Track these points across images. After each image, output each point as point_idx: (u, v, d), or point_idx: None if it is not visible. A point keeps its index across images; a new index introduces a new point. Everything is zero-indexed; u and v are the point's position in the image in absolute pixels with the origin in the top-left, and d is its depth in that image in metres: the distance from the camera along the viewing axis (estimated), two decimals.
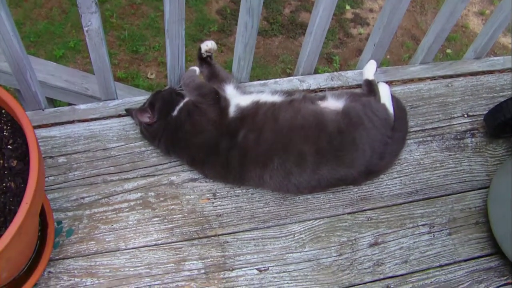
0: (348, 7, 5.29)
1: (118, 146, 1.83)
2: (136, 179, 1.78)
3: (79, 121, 1.87)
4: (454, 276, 1.73)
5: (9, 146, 1.41)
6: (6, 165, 1.38)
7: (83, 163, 1.78)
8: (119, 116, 1.90)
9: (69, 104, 2.42)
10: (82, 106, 1.90)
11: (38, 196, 1.33)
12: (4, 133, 1.43)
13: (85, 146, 1.82)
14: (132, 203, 1.73)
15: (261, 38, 4.89)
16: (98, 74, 1.82)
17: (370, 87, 1.94)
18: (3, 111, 1.47)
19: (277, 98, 1.80)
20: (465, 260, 1.77)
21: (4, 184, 1.35)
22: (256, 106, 1.76)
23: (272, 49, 4.86)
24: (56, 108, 1.90)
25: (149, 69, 4.46)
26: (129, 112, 1.88)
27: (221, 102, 1.75)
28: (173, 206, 1.74)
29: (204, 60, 1.94)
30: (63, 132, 1.84)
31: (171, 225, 1.71)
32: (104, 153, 1.81)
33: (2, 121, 1.45)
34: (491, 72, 2.15)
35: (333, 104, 1.82)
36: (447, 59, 4.80)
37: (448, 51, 4.87)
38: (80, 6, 1.55)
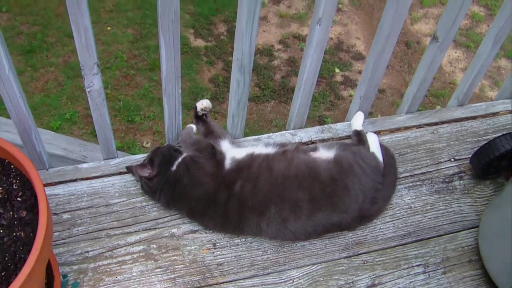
0: (337, 70, 5.47)
1: (120, 201, 1.90)
2: (138, 232, 1.84)
3: (82, 179, 1.95)
4: None
5: (18, 198, 1.48)
6: (16, 216, 1.44)
7: (86, 218, 1.85)
8: (120, 173, 1.98)
9: None
10: (84, 165, 1.99)
11: (47, 243, 1.40)
12: (14, 187, 1.50)
13: (88, 202, 1.89)
14: (135, 256, 1.79)
15: (254, 104, 5.02)
16: (99, 133, 1.91)
17: (359, 137, 2.04)
18: (12, 166, 1.55)
19: (270, 150, 1.88)
20: None
21: (14, 234, 1.42)
22: (251, 158, 1.84)
23: (265, 114, 4.98)
24: (59, 168, 1.98)
25: (145, 138, 4.57)
26: (129, 169, 1.96)
27: (217, 156, 1.84)
28: (175, 257, 1.80)
29: (200, 118, 2.04)
30: (66, 190, 1.91)
31: (173, 275, 1.75)
32: (106, 209, 1.88)
33: (12, 175, 1.53)
34: (474, 117, 2.25)
35: (324, 154, 1.90)
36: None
37: (438, 107, 5.01)
38: (83, 68, 1.66)
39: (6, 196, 1.48)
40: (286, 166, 1.81)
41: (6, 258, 1.37)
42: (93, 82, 1.71)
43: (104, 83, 4.77)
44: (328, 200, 1.79)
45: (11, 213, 1.45)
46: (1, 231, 1.42)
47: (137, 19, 5.47)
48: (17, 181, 1.52)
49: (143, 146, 4.51)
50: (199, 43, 5.47)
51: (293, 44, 5.71)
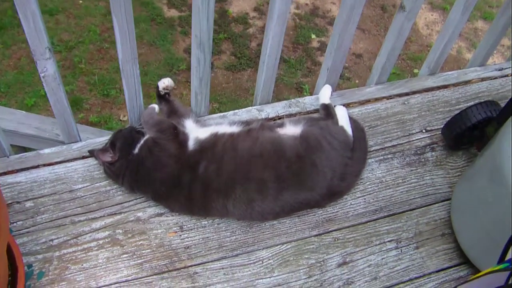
0: (313, 36, 5.38)
1: (84, 187, 1.85)
2: (103, 217, 1.79)
3: (44, 165, 1.90)
4: None
5: None
6: None
7: (50, 206, 1.80)
8: (83, 157, 1.93)
9: None
10: (46, 151, 1.93)
11: (2, 238, 1.36)
12: None
13: (51, 189, 1.84)
14: (100, 242, 1.75)
15: (230, 73, 4.95)
16: (58, 118, 1.85)
17: (327, 111, 1.99)
18: None
19: (235, 129, 1.84)
20: (434, 272, 1.79)
21: None
22: (215, 138, 1.79)
23: (242, 83, 4.91)
24: (20, 154, 1.93)
25: (121, 111, 4.50)
26: (92, 153, 1.90)
27: (180, 136, 1.79)
28: (141, 242, 1.76)
29: (163, 97, 1.98)
30: (28, 177, 1.86)
31: (140, 261, 1.72)
32: (70, 195, 1.83)
33: None
34: (445, 86, 2.21)
35: (291, 130, 1.86)
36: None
37: (416, 70, 4.95)
38: (35, 53, 1.60)
39: None
40: (250, 145, 1.77)
41: None
42: (46, 67, 1.65)
43: (78, 57, 4.74)
44: (295, 178, 1.75)
45: None
46: None
47: None
48: None
49: (120, 120, 4.44)
50: (173, 13, 5.35)
51: (267, 11, 5.62)
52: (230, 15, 5.38)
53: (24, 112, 2.47)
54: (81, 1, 5.17)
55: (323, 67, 2.06)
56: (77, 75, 4.61)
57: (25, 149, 2.45)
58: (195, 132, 1.83)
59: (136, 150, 1.80)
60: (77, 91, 4.52)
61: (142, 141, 1.82)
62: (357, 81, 4.89)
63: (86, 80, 4.59)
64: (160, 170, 1.77)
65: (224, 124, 1.87)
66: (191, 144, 1.78)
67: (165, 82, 1.95)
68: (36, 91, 4.45)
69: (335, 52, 1.97)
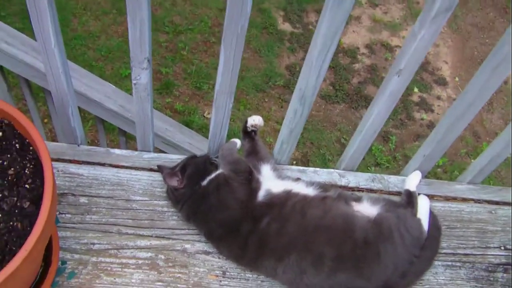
0: (416, 89, 5.24)
1: (142, 200, 1.81)
2: (151, 238, 1.74)
3: (111, 165, 1.86)
4: None
5: (26, 186, 1.40)
6: (18, 204, 1.36)
7: (103, 208, 1.76)
8: (150, 170, 1.88)
9: (119, 129, 2.44)
10: (117, 151, 1.90)
11: (41, 243, 1.32)
12: (26, 171, 1.42)
13: (109, 192, 1.80)
14: (140, 262, 1.69)
15: (324, 102, 4.88)
16: (139, 126, 1.81)
17: (410, 199, 1.86)
18: (31, 148, 1.46)
19: (310, 191, 1.74)
20: None
21: (11, 223, 1.34)
22: (287, 196, 1.70)
23: (331, 116, 4.84)
24: (91, 147, 1.90)
25: (208, 108, 4.50)
26: (160, 169, 1.85)
27: (252, 183, 1.71)
28: (179, 275, 1.69)
29: (248, 134, 1.91)
30: (91, 173, 1.83)
31: None
32: (125, 204, 1.79)
33: (27, 158, 1.44)
34: None
35: (367, 209, 1.74)
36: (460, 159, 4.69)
37: (463, 150, 4.73)
38: (132, 60, 1.55)
39: (15, 179, 1.40)
40: (321, 215, 1.67)
41: None
42: (140, 76, 1.60)
43: (183, 43, 4.77)
44: (355, 263, 1.63)
45: (15, 199, 1.37)
46: (0, 215, 1.34)
47: None
48: (31, 166, 1.43)
49: (204, 116, 4.44)
50: (286, 27, 5.32)
51: (379, 51, 5.50)
52: (341, 45, 5.29)
53: (113, 86, 2.48)
54: None
55: (419, 152, 1.94)
56: (176, 60, 4.63)
57: (103, 122, 2.45)
58: (269, 183, 1.74)
59: (205, 183, 1.74)
60: (171, 75, 4.54)
61: (213, 175, 1.75)
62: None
63: (184, 68, 4.61)
64: (223, 211, 1.70)
65: (301, 183, 1.77)
66: (261, 195, 1.70)
67: (255, 120, 1.88)
68: None
69: (437, 143, 1.84)
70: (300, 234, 1.65)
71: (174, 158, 1.91)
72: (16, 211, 1.35)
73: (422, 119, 5.07)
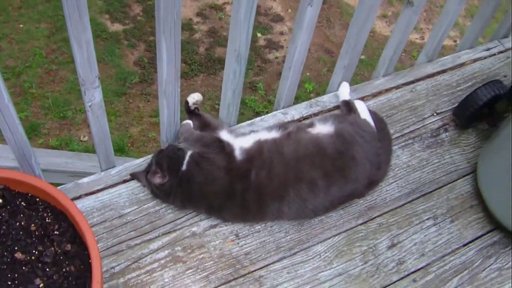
0: (259, 34, 5.48)
1: (133, 210, 1.87)
2: (159, 237, 1.82)
3: (86, 194, 1.89)
4: (467, 257, 1.90)
5: (56, 232, 1.43)
6: (59, 250, 1.40)
7: (103, 234, 1.80)
8: (124, 181, 1.93)
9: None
10: (85, 180, 1.92)
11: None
12: (47, 220, 1.45)
13: (100, 217, 1.84)
14: (162, 261, 1.77)
15: (184, 80, 4.96)
16: (99, 145, 1.85)
17: (349, 106, 2.09)
18: (37, 199, 1.49)
19: (275, 134, 1.90)
20: (472, 241, 1.94)
21: (64, 270, 1.38)
22: (259, 145, 1.85)
23: (196, 89, 4.94)
24: (60, 187, 1.91)
25: (81, 132, 4.43)
26: (134, 176, 1.92)
27: (226, 148, 1.84)
28: (202, 255, 1.80)
29: (193, 112, 2.01)
30: None
31: (205, 273, 1.76)
32: (121, 220, 1.84)
33: (41, 209, 1.47)
34: (444, 71, 2.36)
35: (323, 128, 1.94)
36: (363, 65, 5.10)
37: (362, 57, 5.15)
38: (84, 83, 1.59)
39: (42, 232, 1.43)
40: (295, 148, 1.84)
41: None
42: (94, 96, 1.65)
43: (28, 82, 4.63)
44: (340, 173, 1.84)
45: (53, 248, 1.40)
46: (48, 269, 1.38)
47: (48, 12, 5.20)
48: (49, 214, 1.47)
49: (81, 141, 4.37)
50: (117, 27, 5.30)
51: (211, 15, 5.65)
52: None
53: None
54: (21, 25, 5.03)
55: (338, 65, 2.16)
56: (29, 101, 4.49)
57: None
58: (239, 141, 1.87)
59: (184, 167, 1.83)
60: (32, 117, 4.41)
61: (188, 158, 1.84)
62: (308, 74, 5.04)
63: (40, 105, 4.48)
64: (212, 183, 1.81)
65: (263, 131, 1.93)
66: (238, 154, 1.83)
67: (194, 97, 1.99)
68: None
69: (351, 51, 2.07)
70: (287, 171, 1.81)
71: (138, 163, 1.98)
72: (61, 257, 1.39)
73: (276, 57, 5.33)
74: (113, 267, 1.75)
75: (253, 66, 5.18)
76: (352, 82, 2.24)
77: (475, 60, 2.41)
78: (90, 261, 1.38)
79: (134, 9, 5.57)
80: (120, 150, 4.26)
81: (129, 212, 1.86)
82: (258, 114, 4.71)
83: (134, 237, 1.81)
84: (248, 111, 4.70)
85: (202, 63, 5.15)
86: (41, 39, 4.99)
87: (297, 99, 2.22)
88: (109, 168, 1.96)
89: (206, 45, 5.35)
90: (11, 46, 4.86)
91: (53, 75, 4.75)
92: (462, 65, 2.39)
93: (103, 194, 1.90)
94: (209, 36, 5.45)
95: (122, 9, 5.53)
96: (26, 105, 4.47)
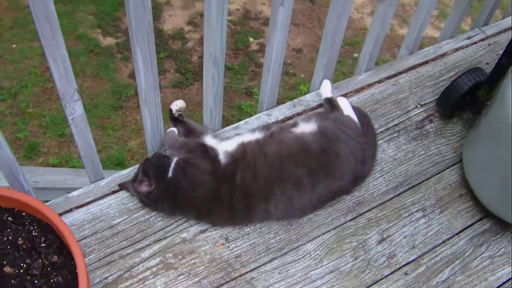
0: (251, 39, 5.49)
1: (123, 220, 1.89)
2: (150, 245, 1.84)
3: (77, 207, 1.91)
4: (458, 247, 1.91)
5: (43, 244, 1.46)
6: (46, 262, 1.43)
7: (94, 245, 1.82)
8: (113, 192, 1.95)
9: None
10: (75, 193, 1.95)
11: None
12: (34, 233, 1.48)
13: (91, 229, 1.86)
14: (154, 269, 1.79)
15: (179, 90, 4.97)
16: (86, 158, 1.88)
17: (331, 104, 2.11)
18: (23, 213, 1.51)
19: (258, 135, 1.92)
20: (462, 230, 1.95)
21: (51, 280, 1.41)
22: (243, 147, 1.87)
23: (192, 98, 4.95)
24: (50, 202, 1.93)
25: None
26: (122, 186, 1.94)
27: (210, 153, 1.86)
28: (193, 261, 1.82)
29: (177, 120, 2.04)
30: (66, 222, 1.87)
31: (197, 278, 1.78)
32: (112, 231, 1.86)
33: (27, 223, 1.49)
34: (426, 62, 2.37)
35: (306, 127, 1.95)
36: (356, 63, 5.11)
37: (355, 55, 5.16)
38: (64, 97, 1.62)
39: (29, 245, 1.46)
40: (278, 148, 1.86)
41: None
42: (75, 109, 1.67)
43: (24, 102, 4.66)
44: (325, 170, 1.86)
45: (40, 260, 1.43)
46: (36, 281, 1.40)
47: None
48: (35, 227, 1.49)
49: (81, 157, 4.40)
50: (109, 41, 5.32)
51: (201, 23, 5.67)
52: (166, 33, 5.41)
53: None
54: (14, 45, 5.07)
55: (318, 64, 2.17)
56: (27, 121, 4.51)
57: None
58: (222, 145, 1.89)
59: (170, 174, 1.85)
60: (30, 136, 4.43)
61: (173, 164, 1.86)
62: (302, 75, 5.04)
63: (38, 124, 4.50)
64: (199, 188, 1.83)
65: (246, 133, 1.95)
66: (222, 158, 1.85)
67: (178, 105, 2.02)
68: None
69: (329, 49, 2.08)
70: (271, 171, 1.83)
71: (125, 173, 1.99)
72: (49, 268, 1.41)
73: None
74: (106, 278, 1.76)
75: (247, 72, 5.19)
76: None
77: (456, 50, 2.42)
78: (77, 271, 1.40)
79: (125, 21, 5.57)
80: (120, 164, 4.27)
81: (119, 222, 1.88)
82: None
83: (126, 247, 1.83)
84: (245, 116, 4.70)
85: (196, 72, 5.16)
86: (35, 58, 5.01)
87: None
88: (98, 180, 1.98)
89: (199, 53, 5.37)
90: (6, 67, 4.90)
91: (49, 93, 4.77)
92: (444, 55, 2.40)
93: (93, 206, 1.92)
94: (202, 44, 5.44)
95: (113, 22, 5.55)
96: (24, 125, 4.49)
